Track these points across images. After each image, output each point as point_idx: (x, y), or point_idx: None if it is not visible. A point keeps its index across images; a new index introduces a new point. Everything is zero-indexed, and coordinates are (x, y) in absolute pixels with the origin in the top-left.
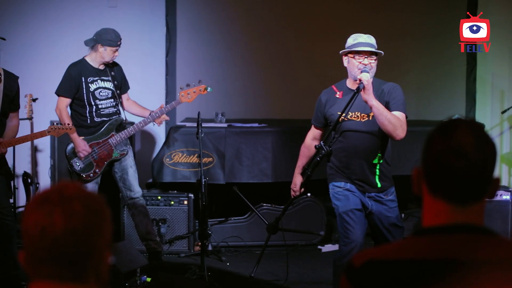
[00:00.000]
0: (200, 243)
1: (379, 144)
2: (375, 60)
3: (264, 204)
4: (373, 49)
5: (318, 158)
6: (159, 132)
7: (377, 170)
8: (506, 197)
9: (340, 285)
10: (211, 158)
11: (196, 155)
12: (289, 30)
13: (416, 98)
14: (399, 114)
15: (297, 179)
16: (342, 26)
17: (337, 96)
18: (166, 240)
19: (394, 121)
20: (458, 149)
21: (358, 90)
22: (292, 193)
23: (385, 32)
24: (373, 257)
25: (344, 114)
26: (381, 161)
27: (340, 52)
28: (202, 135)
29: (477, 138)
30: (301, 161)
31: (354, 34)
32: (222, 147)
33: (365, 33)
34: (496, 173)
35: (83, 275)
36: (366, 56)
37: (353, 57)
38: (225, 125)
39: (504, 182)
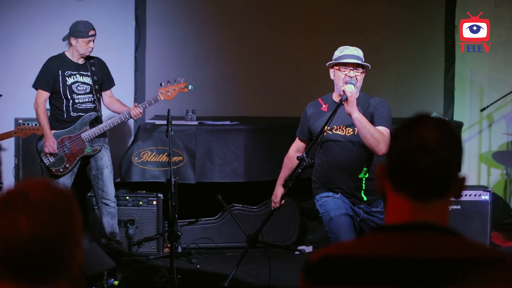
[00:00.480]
0: (169, 245)
1: (365, 158)
2: (361, 73)
3: (236, 205)
4: (359, 62)
5: (300, 170)
6: (127, 130)
7: (363, 185)
8: (485, 197)
9: (298, 283)
10: (181, 157)
11: (166, 153)
12: (263, 25)
13: (393, 94)
14: (383, 129)
15: (278, 191)
16: (319, 20)
17: (323, 109)
18: (135, 241)
19: (377, 135)
20: (422, 144)
21: (341, 101)
22: (273, 204)
23: (364, 25)
24: (330, 253)
25: (328, 128)
26: (367, 175)
27: (327, 64)
28: (172, 133)
29: (442, 133)
30: (283, 173)
31: (341, 47)
32: (193, 145)
33: (343, 28)
34: (472, 172)
35: (54, 278)
36: (352, 69)
37: (339, 70)
38: (195, 123)
39: (483, 181)
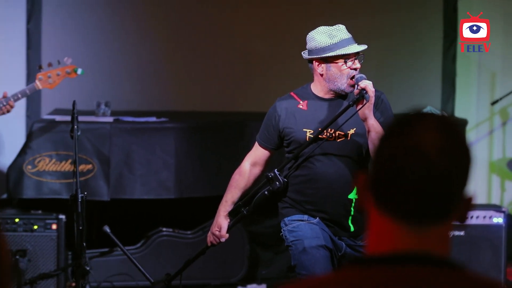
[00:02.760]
0: (74, 284)
1: (357, 170)
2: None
3: (164, 229)
4: (365, 47)
5: (267, 192)
6: (17, 128)
7: (352, 209)
8: (498, 220)
9: None
10: (90, 165)
11: (70, 160)
12: None
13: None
14: None
15: (223, 220)
16: None
17: (301, 107)
18: (26, 280)
19: None
20: (416, 149)
21: (357, 101)
22: (211, 238)
23: None
24: None
25: (311, 131)
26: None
27: (317, 56)
28: (79, 133)
29: (445, 136)
30: (231, 194)
31: (325, 28)
32: (106, 149)
33: None
34: (481, 186)
35: None
36: (356, 57)
37: (336, 63)
38: (110, 119)
39: (495, 199)
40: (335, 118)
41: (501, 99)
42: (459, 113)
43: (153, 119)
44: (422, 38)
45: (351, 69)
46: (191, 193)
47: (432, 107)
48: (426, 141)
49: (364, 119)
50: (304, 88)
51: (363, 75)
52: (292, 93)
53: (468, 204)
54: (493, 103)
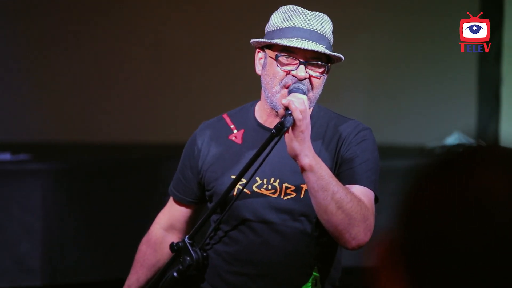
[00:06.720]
0: None
1: (317, 248)
2: (321, 72)
3: None
4: (322, 49)
5: (175, 274)
6: None
7: None
8: None
9: None
10: None
11: None
12: None
13: (369, 102)
14: (362, 191)
15: None
16: None
17: (233, 138)
18: None
19: (351, 207)
20: (478, 204)
21: (280, 130)
22: None
23: None
24: None
25: (243, 181)
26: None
27: (252, 41)
28: None
29: None
30: (136, 275)
31: (289, 8)
32: None
33: None
34: None
35: None
36: (303, 61)
37: (274, 59)
38: None
39: None
40: (253, 159)
41: None
42: (507, 141)
43: (7, 156)
44: (445, 25)
45: (290, 74)
46: (70, 277)
47: (462, 133)
48: (491, 192)
49: (294, 157)
50: (245, 108)
51: (301, 86)
52: (224, 116)
53: None
54: None
